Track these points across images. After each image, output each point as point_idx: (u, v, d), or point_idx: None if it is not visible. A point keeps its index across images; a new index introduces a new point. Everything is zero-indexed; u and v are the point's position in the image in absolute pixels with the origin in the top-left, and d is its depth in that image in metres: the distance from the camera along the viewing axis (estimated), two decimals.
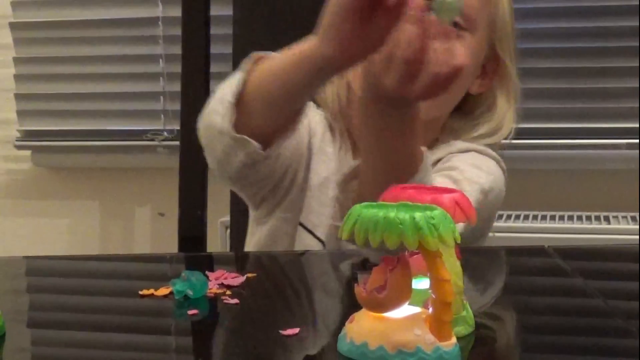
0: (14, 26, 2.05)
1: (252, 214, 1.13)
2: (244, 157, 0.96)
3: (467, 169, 1.03)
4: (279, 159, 1.01)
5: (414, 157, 0.91)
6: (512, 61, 1.11)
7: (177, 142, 1.82)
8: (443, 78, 0.81)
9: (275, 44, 1.27)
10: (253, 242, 1.12)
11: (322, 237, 1.04)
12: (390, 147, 0.90)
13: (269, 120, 0.96)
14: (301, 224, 1.06)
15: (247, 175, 1.00)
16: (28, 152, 2.08)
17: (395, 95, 0.84)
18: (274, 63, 0.94)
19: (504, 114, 1.11)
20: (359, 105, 0.94)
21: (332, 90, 1.10)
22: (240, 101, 0.94)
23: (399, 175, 0.86)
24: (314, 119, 1.10)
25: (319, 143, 1.08)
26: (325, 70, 0.88)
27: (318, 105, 1.12)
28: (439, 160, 1.07)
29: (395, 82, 0.82)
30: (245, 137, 0.94)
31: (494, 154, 1.09)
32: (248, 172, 0.99)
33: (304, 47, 0.88)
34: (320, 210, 1.05)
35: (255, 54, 0.97)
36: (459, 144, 1.09)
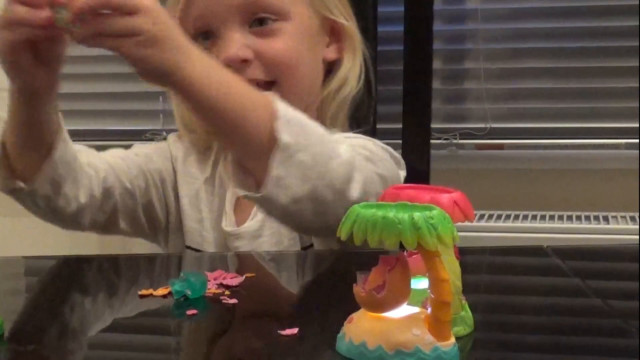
0: None
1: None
2: (32, 200, 0.98)
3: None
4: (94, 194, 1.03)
5: None
6: (347, 18, 1.11)
7: None
8: None
9: None
10: None
11: (212, 250, 1.08)
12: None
13: (26, 158, 0.95)
14: (188, 247, 1.10)
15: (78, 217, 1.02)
16: None
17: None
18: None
19: (348, 70, 1.12)
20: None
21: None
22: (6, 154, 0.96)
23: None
24: (174, 147, 1.14)
25: (181, 167, 1.12)
26: (35, 98, 0.90)
27: (180, 136, 1.17)
28: None
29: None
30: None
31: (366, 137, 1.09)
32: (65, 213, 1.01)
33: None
34: (197, 226, 1.09)
35: None
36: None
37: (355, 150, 0.97)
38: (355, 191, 0.91)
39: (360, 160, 0.95)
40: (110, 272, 0.92)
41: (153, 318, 0.71)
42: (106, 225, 1.08)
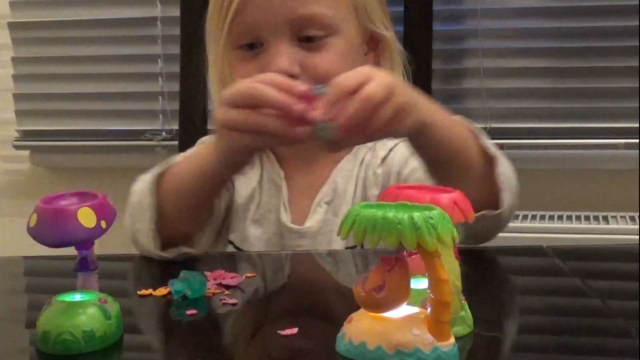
0: (12, 26, 2.04)
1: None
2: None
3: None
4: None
5: None
6: (386, 27, 1.11)
7: (176, 142, 1.83)
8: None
9: None
10: None
11: (254, 248, 1.08)
12: None
13: (187, 224, 0.96)
14: (230, 242, 1.09)
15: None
16: (27, 152, 2.08)
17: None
18: (177, 179, 0.95)
19: None
20: None
21: None
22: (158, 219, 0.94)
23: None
24: None
25: None
26: (226, 177, 0.94)
27: None
28: (385, 158, 1.09)
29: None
30: (172, 256, 0.93)
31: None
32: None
33: (205, 163, 0.90)
34: (241, 225, 1.09)
35: (160, 166, 0.98)
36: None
37: None
38: None
39: None
40: (110, 272, 0.92)
41: (152, 318, 0.71)
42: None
